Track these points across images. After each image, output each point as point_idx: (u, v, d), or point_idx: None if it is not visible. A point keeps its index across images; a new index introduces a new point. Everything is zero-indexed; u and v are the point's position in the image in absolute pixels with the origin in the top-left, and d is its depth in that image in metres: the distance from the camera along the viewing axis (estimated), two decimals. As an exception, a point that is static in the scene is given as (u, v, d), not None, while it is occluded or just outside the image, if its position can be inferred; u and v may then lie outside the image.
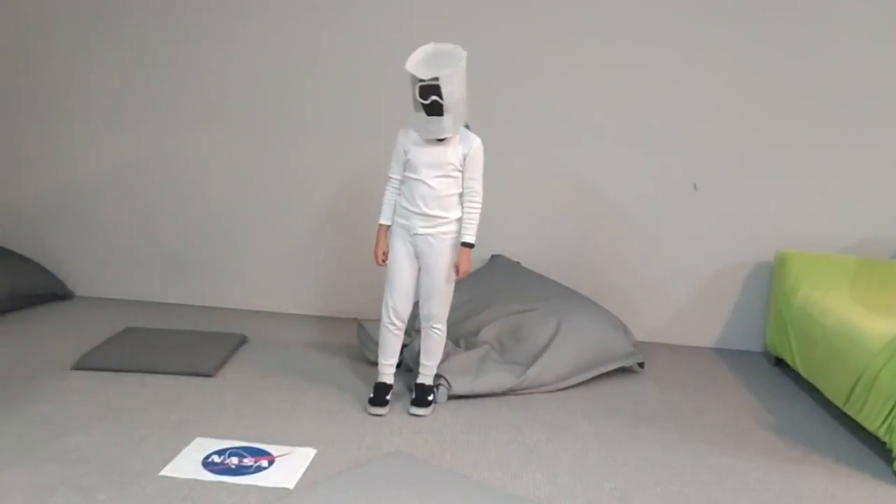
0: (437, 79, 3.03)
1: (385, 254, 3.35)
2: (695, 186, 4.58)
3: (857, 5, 4.34)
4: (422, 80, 3.05)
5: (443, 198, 3.23)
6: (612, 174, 4.61)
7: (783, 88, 4.45)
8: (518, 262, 4.60)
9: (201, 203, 4.86)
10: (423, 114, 3.13)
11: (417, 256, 3.31)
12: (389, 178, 3.35)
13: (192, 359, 3.77)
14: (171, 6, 4.68)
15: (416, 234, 3.27)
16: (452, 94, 3.07)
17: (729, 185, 4.56)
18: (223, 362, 3.84)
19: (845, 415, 3.51)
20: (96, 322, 4.37)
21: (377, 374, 3.46)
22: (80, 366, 3.66)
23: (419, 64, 3.09)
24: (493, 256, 4.69)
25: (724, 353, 4.64)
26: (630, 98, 4.53)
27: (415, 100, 3.12)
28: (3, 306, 4.39)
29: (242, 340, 4.20)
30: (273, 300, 4.92)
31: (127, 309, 4.72)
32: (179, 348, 3.91)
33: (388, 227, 3.35)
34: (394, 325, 3.36)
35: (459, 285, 4.36)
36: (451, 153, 3.20)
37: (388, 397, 3.42)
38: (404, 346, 3.81)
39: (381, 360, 3.44)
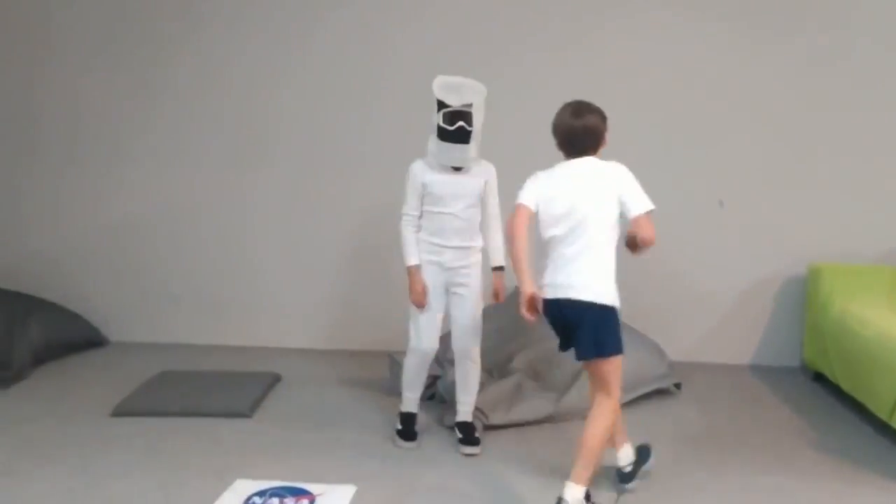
0: (469, 105, 3.07)
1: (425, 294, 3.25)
2: (721, 203, 4.55)
3: (885, 15, 4.33)
4: (450, 107, 3.06)
5: (472, 228, 3.25)
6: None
7: (809, 99, 4.44)
8: (547, 288, 4.58)
9: (230, 244, 4.92)
10: (447, 142, 3.10)
11: (449, 290, 3.28)
12: (408, 215, 3.24)
13: (228, 400, 3.79)
14: (205, 51, 4.79)
15: (450, 269, 3.24)
16: (478, 122, 3.11)
17: (756, 200, 4.53)
18: (259, 402, 3.86)
19: (891, 428, 3.43)
20: (132, 367, 4.41)
21: (401, 404, 3.46)
22: (119, 412, 3.69)
23: (449, 91, 3.10)
24: (521, 283, 4.67)
25: (762, 371, 4.57)
26: (652, 114, 4.53)
27: (438, 126, 3.09)
28: (39, 356, 4.44)
29: (276, 379, 4.22)
30: (304, 337, 4.93)
31: (162, 353, 4.75)
32: (215, 390, 3.93)
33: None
34: (424, 362, 3.36)
35: (488, 314, 4.39)
36: (474, 182, 3.21)
37: (416, 429, 3.42)
38: (438, 377, 3.81)
39: (407, 393, 3.43)
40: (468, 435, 3.35)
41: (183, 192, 4.91)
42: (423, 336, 3.28)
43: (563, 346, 2.82)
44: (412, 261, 3.23)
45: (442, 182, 3.18)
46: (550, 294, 2.71)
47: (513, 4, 4.59)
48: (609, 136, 2.82)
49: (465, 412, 3.42)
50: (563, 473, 3.09)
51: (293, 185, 4.83)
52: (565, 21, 4.55)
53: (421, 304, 3.24)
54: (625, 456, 2.96)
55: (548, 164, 2.81)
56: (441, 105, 3.08)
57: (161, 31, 4.80)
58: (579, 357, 2.74)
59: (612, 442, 2.89)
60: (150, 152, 4.90)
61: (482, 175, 3.24)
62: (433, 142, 3.15)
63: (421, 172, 3.21)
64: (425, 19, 4.64)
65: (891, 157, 4.42)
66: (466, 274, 3.26)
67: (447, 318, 3.33)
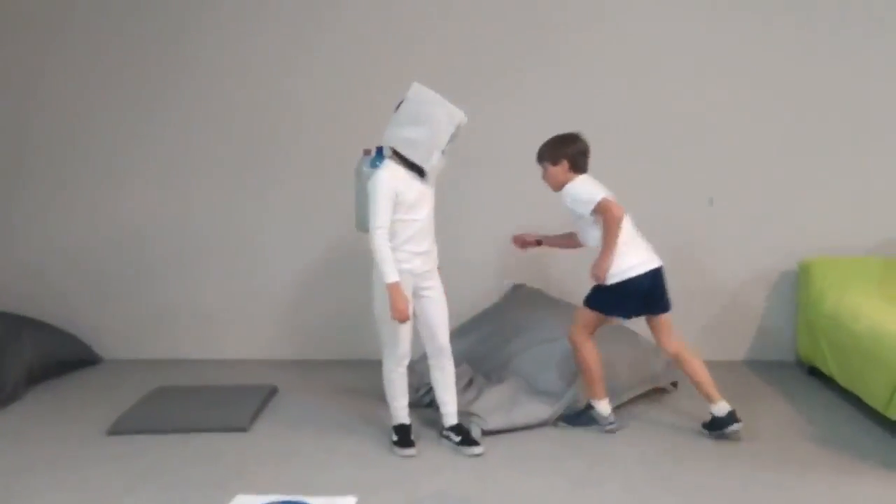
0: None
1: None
2: (711, 201, 4.58)
3: (878, 12, 4.39)
4: (460, 126, 3.18)
5: (433, 232, 3.34)
6: (629, 191, 4.57)
7: (798, 96, 4.48)
8: (540, 290, 4.59)
9: (222, 257, 4.91)
10: (442, 154, 3.21)
11: (417, 295, 3.31)
12: (382, 228, 3.14)
13: (225, 414, 3.77)
14: (197, 65, 4.78)
15: (418, 274, 3.27)
16: None
17: (747, 197, 4.56)
18: (256, 415, 3.84)
19: (888, 420, 3.45)
20: (126, 384, 4.38)
21: (391, 417, 3.45)
22: (116, 430, 3.66)
23: (462, 113, 3.19)
24: (514, 286, 4.68)
25: (757, 366, 4.59)
26: (641, 112, 4.56)
27: (440, 141, 3.16)
28: (33, 376, 4.40)
29: (273, 391, 4.20)
30: (300, 348, 4.92)
31: (156, 369, 4.73)
32: (212, 405, 3.91)
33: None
34: (402, 369, 3.39)
35: (484, 318, 4.40)
36: (430, 188, 3.32)
37: (412, 437, 3.43)
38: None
39: (394, 403, 3.43)
40: (466, 436, 3.37)
41: (174, 207, 4.89)
42: (400, 342, 3.31)
43: (636, 313, 3.50)
44: (394, 277, 3.14)
45: (410, 189, 3.21)
46: (651, 265, 3.40)
47: (514, 12, 4.61)
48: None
49: (451, 413, 3.43)
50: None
51: (286, 198, 4.83)
52: (561, 21, 4.58)
53: (405, 319, 3.20)
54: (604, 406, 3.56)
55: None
56: (455, 125, 3.16)
57: (155, 43, 4.78)
58: (665, 309, 3.51)
59: (592, 392, 3.54)
60: (141, 167, 4.88)
61: (431, 182, 3.33)
62: (437, 155, 3.17)
63: (393, 181, 3.17)
64: (425, 30, 4.65)
65: (878, 151, 4.47)
66: (430, 276, 3.33)
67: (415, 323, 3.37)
